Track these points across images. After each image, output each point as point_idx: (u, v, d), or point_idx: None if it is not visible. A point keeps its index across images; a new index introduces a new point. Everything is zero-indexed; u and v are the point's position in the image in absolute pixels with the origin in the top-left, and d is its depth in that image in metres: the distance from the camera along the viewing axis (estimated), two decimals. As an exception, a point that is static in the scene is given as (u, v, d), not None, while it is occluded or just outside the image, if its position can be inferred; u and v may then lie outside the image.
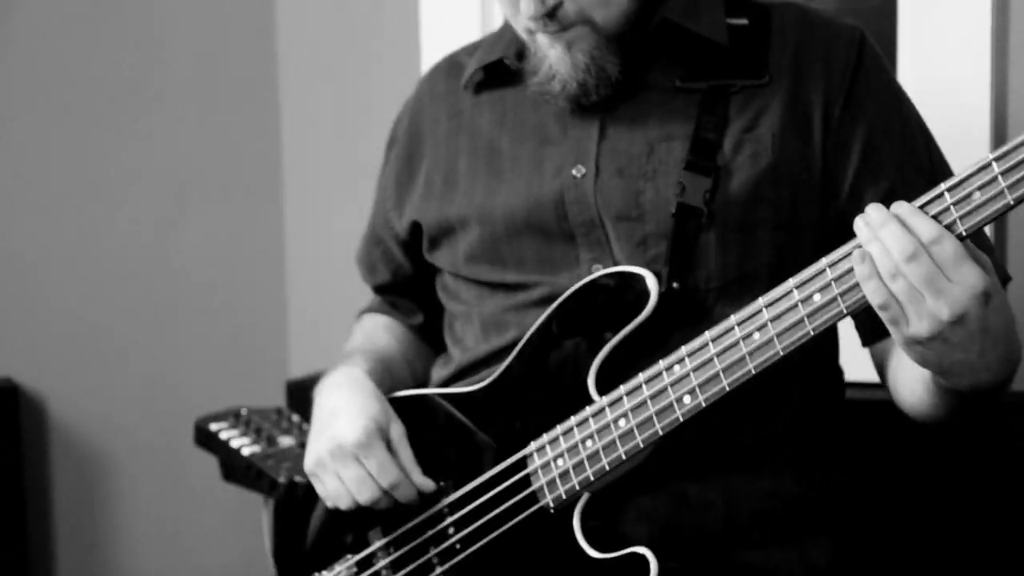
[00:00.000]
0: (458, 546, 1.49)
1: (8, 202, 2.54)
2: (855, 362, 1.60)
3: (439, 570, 1.50)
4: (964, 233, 1.17)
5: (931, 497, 1.89)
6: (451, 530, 1.49)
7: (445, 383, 1.62)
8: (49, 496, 2.58)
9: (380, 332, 1.77)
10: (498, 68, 1.60)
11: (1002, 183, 1.14)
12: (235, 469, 1.99)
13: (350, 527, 1.58)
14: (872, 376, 1.55)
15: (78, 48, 2.54)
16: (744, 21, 1.52)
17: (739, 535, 1.46)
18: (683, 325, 1.41)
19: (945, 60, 1.93)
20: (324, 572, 1.60)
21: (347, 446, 1.48)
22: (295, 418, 2.05)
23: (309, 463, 1.53)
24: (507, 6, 1.49)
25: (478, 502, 1.48)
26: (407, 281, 1.76)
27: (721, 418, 1.38)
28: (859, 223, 1.21)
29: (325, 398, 1.58)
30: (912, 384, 1.40)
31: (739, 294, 1.43)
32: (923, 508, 1.89)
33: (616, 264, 1.47)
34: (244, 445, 1.97)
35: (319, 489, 1.53)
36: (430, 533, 1.51)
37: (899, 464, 1.89)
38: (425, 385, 1.68)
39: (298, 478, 1.74)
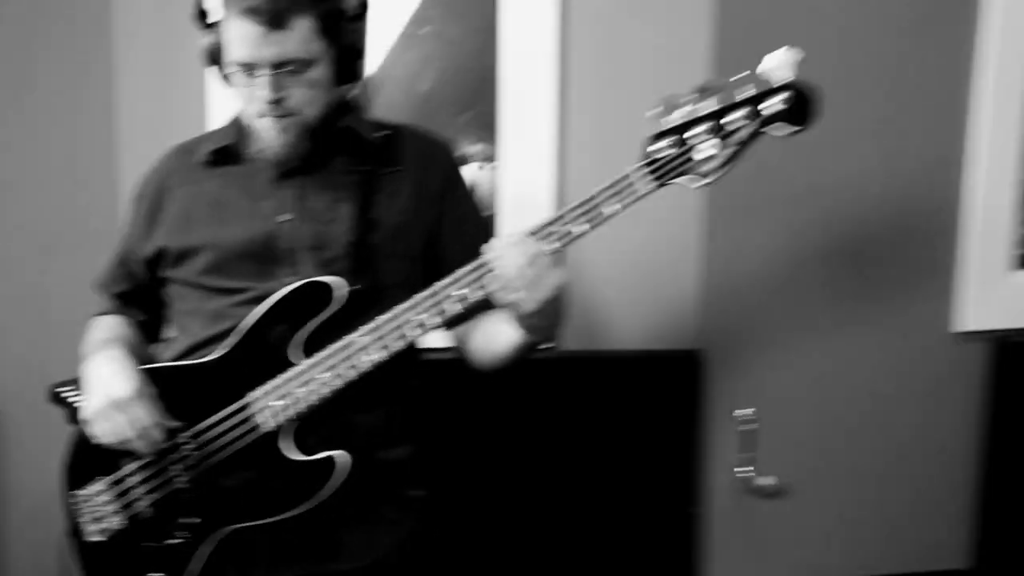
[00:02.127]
0: (193, 461, 2.12)
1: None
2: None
3: (183, 478, 2.12)
4: (550, 250, 1.99)
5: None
6: (191, 451, 2.12)
7: (179, 358, 2.24)
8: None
9: (119, 326, 2.37)
10: (226, 150, 2.29)
11: (571, 227, 1.97)
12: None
13: (108, 456, 2.17)
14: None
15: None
16: (385, 133, 2.30)
17: (382, 444, 2.20)
18: (359, 315, 2.14)
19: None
20: (86, 487, 2.18)
21: (117, 400, 2.10)
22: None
23: (89, 411, 2.12)
24: (245, 94, 2.16)
25: (213, 432, 2.12)
26: (139, 290, 2.39)
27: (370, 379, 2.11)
28: (488, 251, 2.01)
29: (96, 369, 2.17)
30: (492, 347, 2.19)
31: (392, 298, 2.16)
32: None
33: (306, 277, 2.17)
34: None
35: (93, 430, 2.13)
36: (173, 456, 2.13)
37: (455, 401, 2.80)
38: (149, 360, 2.29)
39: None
